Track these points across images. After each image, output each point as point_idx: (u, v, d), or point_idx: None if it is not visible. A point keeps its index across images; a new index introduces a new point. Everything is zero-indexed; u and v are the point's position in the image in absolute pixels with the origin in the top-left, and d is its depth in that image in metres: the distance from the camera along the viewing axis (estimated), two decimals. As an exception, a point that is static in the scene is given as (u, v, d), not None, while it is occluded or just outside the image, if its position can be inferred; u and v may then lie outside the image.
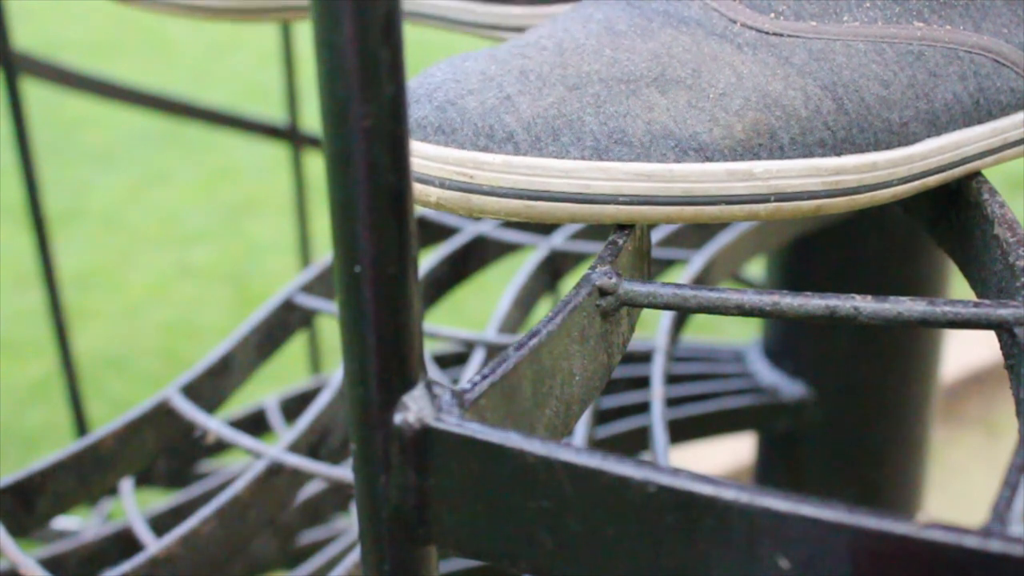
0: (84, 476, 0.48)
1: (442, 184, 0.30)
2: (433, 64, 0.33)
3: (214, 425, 0.50)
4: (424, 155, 0.30)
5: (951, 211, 0.34)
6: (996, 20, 0.33)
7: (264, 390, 0.92)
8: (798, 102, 0.31)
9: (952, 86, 0.33)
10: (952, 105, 0.33)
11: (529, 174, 0.30)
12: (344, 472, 0.48)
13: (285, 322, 0.57)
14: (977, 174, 0.34)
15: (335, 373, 0.56)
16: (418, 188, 0.31)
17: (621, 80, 0.31)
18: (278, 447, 0.49)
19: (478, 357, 0.58)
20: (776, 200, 0.31)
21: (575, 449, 0.22)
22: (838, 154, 0.31)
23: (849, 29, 0.32)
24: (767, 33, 0.32)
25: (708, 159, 0.30)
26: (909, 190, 0.33)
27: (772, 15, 0.32)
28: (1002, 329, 0.26)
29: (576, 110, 0.30)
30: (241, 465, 0.78)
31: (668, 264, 0.67)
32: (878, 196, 0.32)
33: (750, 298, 0.28)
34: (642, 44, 0.32)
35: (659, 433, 0.51)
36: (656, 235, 0.67)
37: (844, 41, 0.32)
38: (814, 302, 0.27)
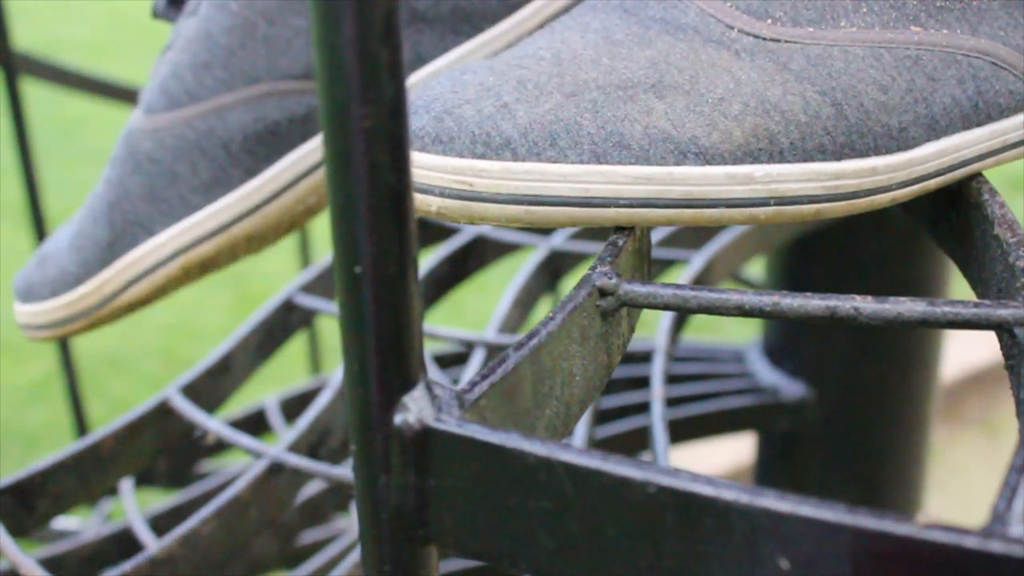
0: (84, 476, 0.48)
1: (442, 193, 0.30)
2: (432, 78, 0.33)
3: (214, 425, 0.50)
4: (423, 165, 0.31)
5: (951, 212, 0.34)
6: (993, 23, 0.33)
7: (264, 390, 0.92)
8: (797, 107, 0.31)
9: (951, 90, 0.33)
10: (951, 108, 0.33)
11: (528, 179, 0.30)
12: (344, 472, 0.48)
13: (285, 322, 0.58)
14: (977, 175, 0.34)
15: (335, 373, 0.56)
16: (418, 198, 0.31)
17: (618, 87, 0.31)
18: (278, 447, 0.49)
19: (478, 357, 0.58)
20: (776, 204, 0.31)
21: (575, 450, 0.22)
22: (838, 159, 0.31)
23: (846, 35, 0.32)
24: (764, 39, 0.32)
25: (708, 162, 0.30)
26: (908, 194, 0.33)
27: (769, 21, 0.32)
28: (1002, 329, 0.26)
29: (573, 115, 0.30)
30: (241, 465, 0.78)
31: (668, 264, 0.67)
32: (877, 200, 0.32)
33: (750, 298, 0.28)
34: (639, 52, 0.32)
35: (659, 433, 0.51)
36: (656, 235, 0.67)
37: (842, 47, 0.32)
38: (814, 302, 0.27)
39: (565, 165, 0.30)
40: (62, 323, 0.42)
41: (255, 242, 0.42)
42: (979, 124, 0.33)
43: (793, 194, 0.31)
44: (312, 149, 0.41)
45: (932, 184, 0.33)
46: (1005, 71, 0.33)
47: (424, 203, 0.31)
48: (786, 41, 0.32)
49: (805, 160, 0.31)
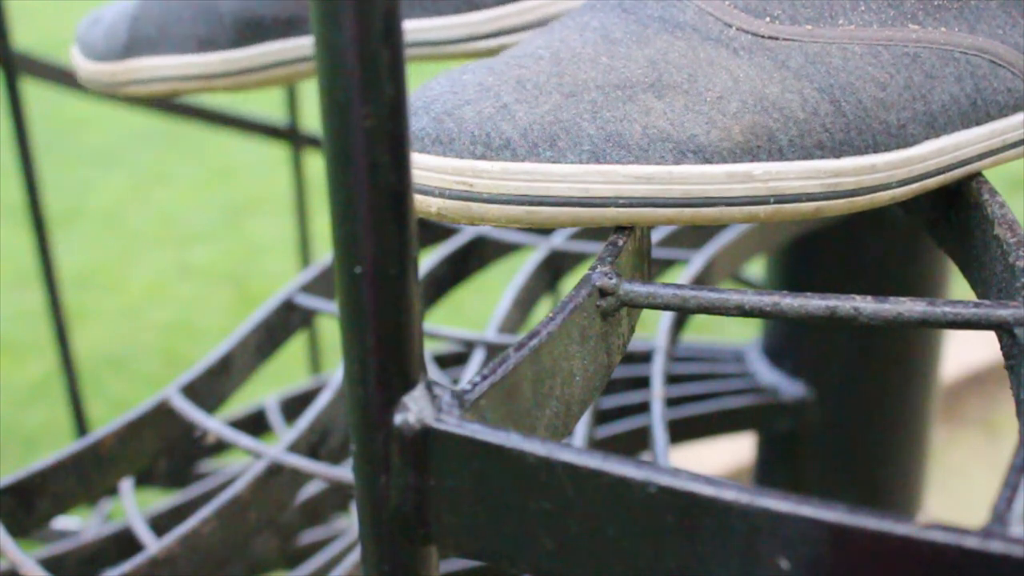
0: (84, 476, 0.48)
1: (442, 194, 0.31)
2: (432, 78, 0.33)
3: (214, 425, 0.50)
4: (423, 166, 0.31)
5: (951, 212, 0.34)
6: (991, 21, 0.33)
7: (264, 390, 0.92)
8: (795, 105, 0.31)
9: (949, 87, 0.33)
10: (950, 106, 0.33)
11: (528, 180, 0.30)
12: (344, 472, 0.48)
13: (285, 322, 0.57)
14: (977, 174, 0.34)
15: (335, 373, 0.56)
16: (419, 199, 0.31)
17: (617, 86, 0.31)
18: (278, 447, 0.49)
19: (478, 357, 0.58)
20: (775, 202, 0.31)
21: (575, 450, 0.22)
22: (837, 156, 0.31)
23: (845, 32, 0.32)
24: (763, 37, 0.32)
25: (707, 161, 0.30)
26: (908, 192, 0.33)
27: (767, 19, 0.32)
28: (1002, 329, 0.26)
29: (573, 116, 0.30)
30: (241, 465, 0.78)
31: (668, 264, 0.67)
32: (877, 198, 0.32)
33: (750, 298, 0.28)
34: (638, 51, 0.32)
35: (659, 433, 0.51)
36: (656, 235, 0.67)
37: (840, 44, 0.32)
38: (814, 302, 0.27)
39: (565, 165, 0.30)
40: (87, 82, 0.51)
41: (239, 90, 0.48)
42: (978, 122, 0.33)
43: (793, 192, 0.31)
44: (291, 47, 0.46)
45: (932, 183, 0.33)
46: (1003, 69, 0.33)
47: (424, 204, 0.31)
48: (784, 39, 0.32)
49: (804, 158, 0.31)
